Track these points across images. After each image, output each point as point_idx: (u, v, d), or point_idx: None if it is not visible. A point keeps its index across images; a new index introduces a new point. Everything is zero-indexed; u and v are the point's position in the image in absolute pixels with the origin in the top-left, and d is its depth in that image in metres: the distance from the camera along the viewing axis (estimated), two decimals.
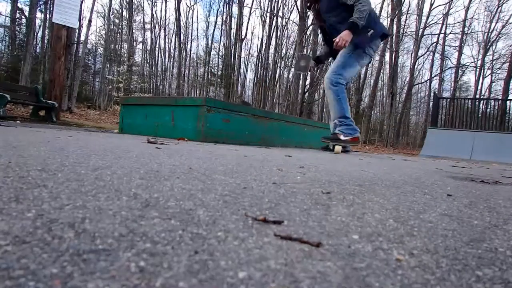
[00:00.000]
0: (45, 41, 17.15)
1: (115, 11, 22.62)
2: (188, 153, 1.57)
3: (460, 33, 23.12)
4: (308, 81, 15.80)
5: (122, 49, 22.83)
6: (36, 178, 0.67)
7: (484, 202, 0.91)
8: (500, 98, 18.64)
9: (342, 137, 3.27)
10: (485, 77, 25.42)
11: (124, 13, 22.86)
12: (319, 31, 3.64)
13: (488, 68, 24.52)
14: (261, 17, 22.59)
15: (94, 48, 24.32)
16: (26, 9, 16.57)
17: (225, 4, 23.56)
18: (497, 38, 23.46)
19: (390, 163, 2.43)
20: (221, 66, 25.55)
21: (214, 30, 27.92)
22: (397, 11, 18.65)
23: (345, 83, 3.31)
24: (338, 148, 3.33)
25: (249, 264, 0.36)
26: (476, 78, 24.60)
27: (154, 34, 25.00)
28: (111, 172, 0.82)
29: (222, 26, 24.57)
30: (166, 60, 25.84)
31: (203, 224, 0.48)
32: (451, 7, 21.49)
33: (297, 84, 14.35)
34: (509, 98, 19.43)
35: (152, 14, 25.31)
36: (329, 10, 3.33)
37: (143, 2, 26.85)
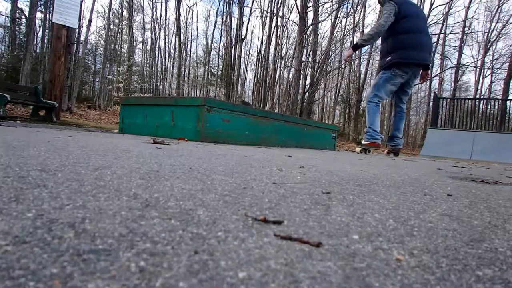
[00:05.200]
0: (45, 41, 17.15)
1: (115, 11, 22.62)
2: (188, 153, 1.57)
3: (460, 33, 23.09)
4: (308, 81, 15.80)
5: (122, 49, 22.79)
6: (36, 178, 0.67)
7: (484, 202, 0.91)
8: (500, 98, 18.64)
9: (363, 141, 4.52)
10: (485, 77, 25.44)
11: (124, 13, 22.82)
12: None
13: (488, 68, 24.52)
14: (261, 17, 22.59)
15: (94, 48, 24.29)
16: (26, 9, 16.55)
17: (225, 4, 23.55)
18: (497, 38, 23.45)
19: (390, 163, 2.43)
20: (221, 66, 25.52)
21: (214, 30, 27.86)
22: None
23: (380, 100, 4.36)
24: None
25: (249, 264, 0.36)
26: (476, 78, 24.61)
27: (154, 34, 24.99)
28: (111, 172, 0.82)
29: (222, 26, 24.55)
30: (166, 60, 25.83)
31: (203, 224, 0.48)
32: (451, 7, 21.43)
33: (297, 84, 14.34)
34: (509, 98, 19.47)
35: (152, 14, 25.33)
36: None
37: (143, 2, 26.86)
